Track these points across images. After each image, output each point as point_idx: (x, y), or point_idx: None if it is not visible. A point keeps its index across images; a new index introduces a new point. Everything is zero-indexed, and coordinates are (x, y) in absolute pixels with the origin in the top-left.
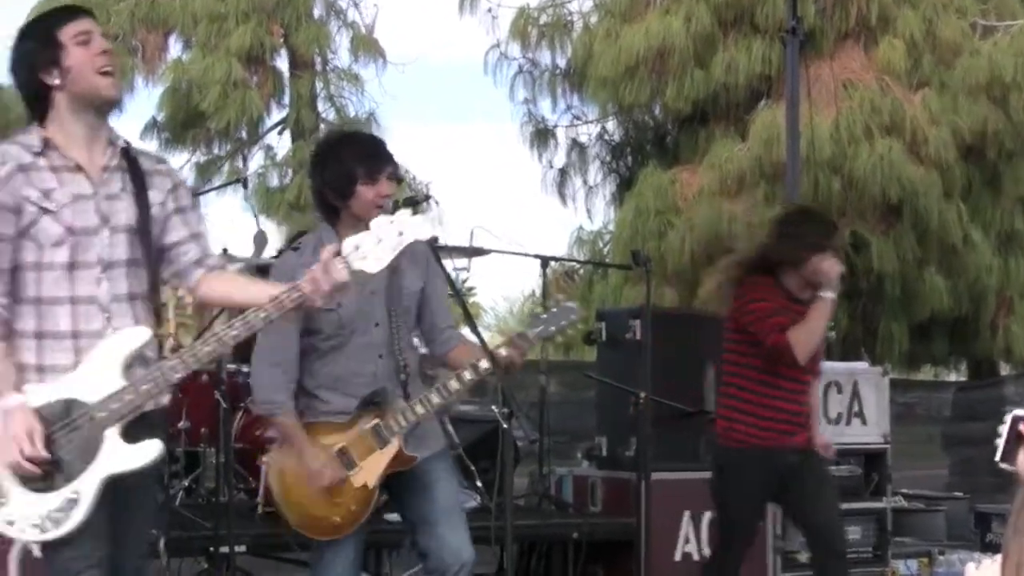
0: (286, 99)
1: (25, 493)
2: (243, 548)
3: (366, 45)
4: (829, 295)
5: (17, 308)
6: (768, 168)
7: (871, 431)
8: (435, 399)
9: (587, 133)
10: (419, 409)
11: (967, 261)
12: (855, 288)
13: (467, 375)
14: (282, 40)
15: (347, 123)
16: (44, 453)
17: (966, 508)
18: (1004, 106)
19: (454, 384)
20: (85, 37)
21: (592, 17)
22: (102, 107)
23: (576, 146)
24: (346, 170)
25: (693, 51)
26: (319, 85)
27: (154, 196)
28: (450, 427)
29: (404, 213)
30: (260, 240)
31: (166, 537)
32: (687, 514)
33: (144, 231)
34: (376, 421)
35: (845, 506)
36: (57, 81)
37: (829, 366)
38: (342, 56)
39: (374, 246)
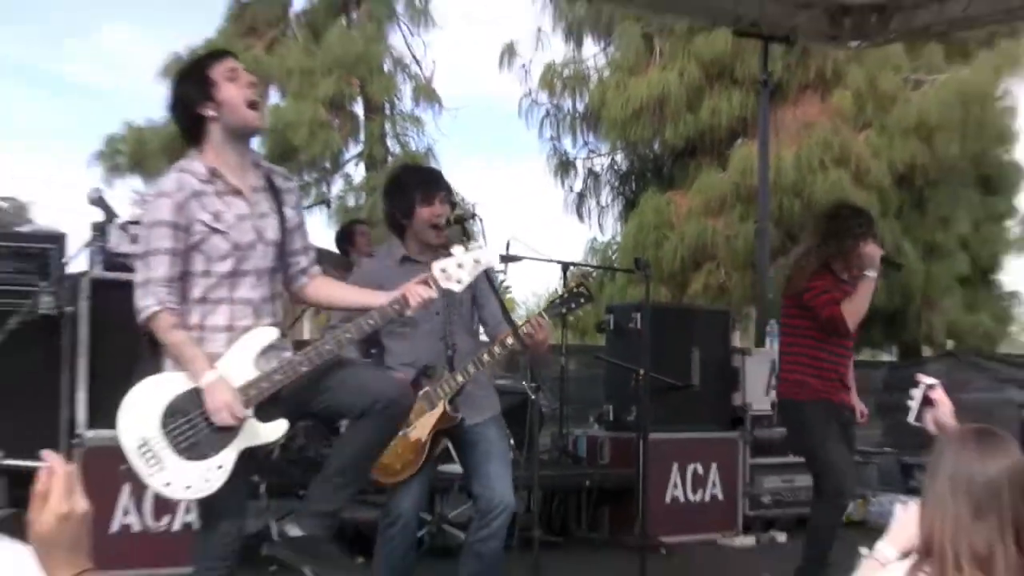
0: (361, 137)
1: (179, 461)
2: None
3: (426, 93)
4: (872, 275)
5: (184, 307)
6: (744, 192)
7: None
8: (471, 369)
9: (600, 164)
10: (459, 377)
11: None
12: None
13: (496, 349)
14: (359, 89)
15: (409, 157)
16: (246, 413)
17: (894, 461)
18: (930, 143)
19: (486, 356)
20: (233, 74)
21: (605, 72)
22: (249, 135)
23: (591, 175)
24: (407, 195)
25: (685, 99)
26: (387, 126)
27: (288, 212)
28: None
29: (479, 245)
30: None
31: (266, 483)
32: (676, 465)
33: (282, 244)
34: (427, 388)
35: (799, 460)
36: (212, 113)
37: None
38: (406, 102)
39: (456, 270)
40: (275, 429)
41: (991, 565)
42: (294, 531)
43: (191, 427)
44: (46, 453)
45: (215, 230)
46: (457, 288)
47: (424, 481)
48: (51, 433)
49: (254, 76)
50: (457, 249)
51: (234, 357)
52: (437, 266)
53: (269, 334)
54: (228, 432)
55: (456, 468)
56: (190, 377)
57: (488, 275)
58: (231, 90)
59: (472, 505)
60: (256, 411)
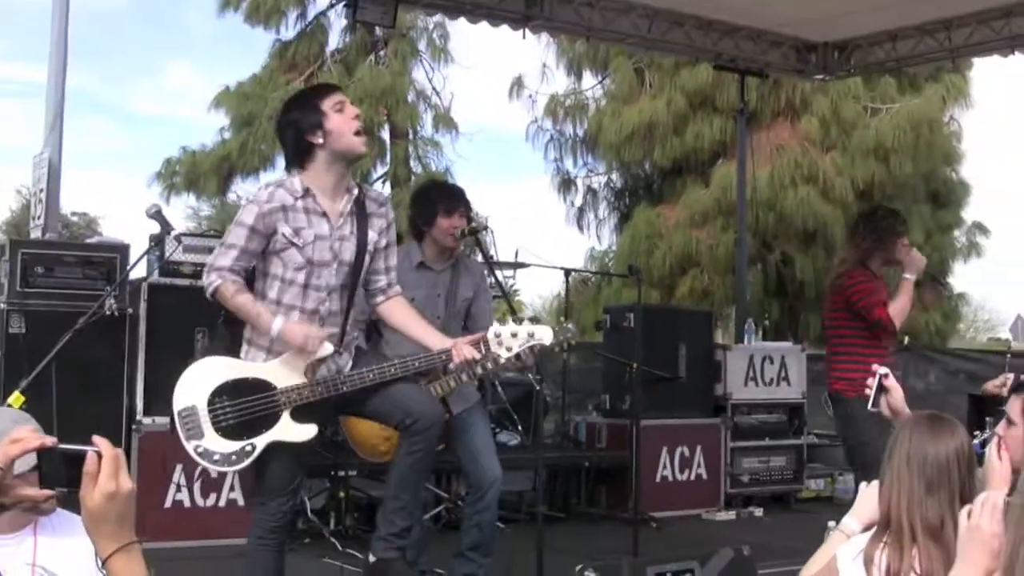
0: (388, 159)
1: (214, 436)
2: (354, 472)
3: (445, 121)
4: (912, 277)
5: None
6: (724, 206)
7: (794, 390)
8: (464, 377)
9: (598, 182)
10: (452, 382)
11: None
12: (784, 290)
13: (490, 366)
14: (386, 118)
15: (429, 176)
16: (328, 335)
17: None
18: (886, 164)
19: (479, 369)
20: (340, 105)
21: (602, 101)
22: (354, 159)
23: (590, 191)
24: (431, 205)
25: (672, 125)
26: (410, 149)
27: (372, 236)
28: (500, 388)
29: (533, 322)
30: None
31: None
32: (665, 448)
33: (358, 265)
34: (425, 383)
35: (774, 443)
36: (320, 140)
37: (765, 344)
38: (427, 129)
39: (509, 338)
40: (305, 431)
41: (942, 534)
42: (370, 557)
43: (234, 410)
44: (96, 438)
45: (292, 243)
46: (504, 356)
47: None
48: (114, 420)
49: (358, 109)
50: (516, 324)
51: (288, 362)
52: (493, 331)
53: (325, 349)
54: (263, 423)
55: None
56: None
57: (492, 271)
58: (339, 120)
59: (466, 483)
60: (292, 412)
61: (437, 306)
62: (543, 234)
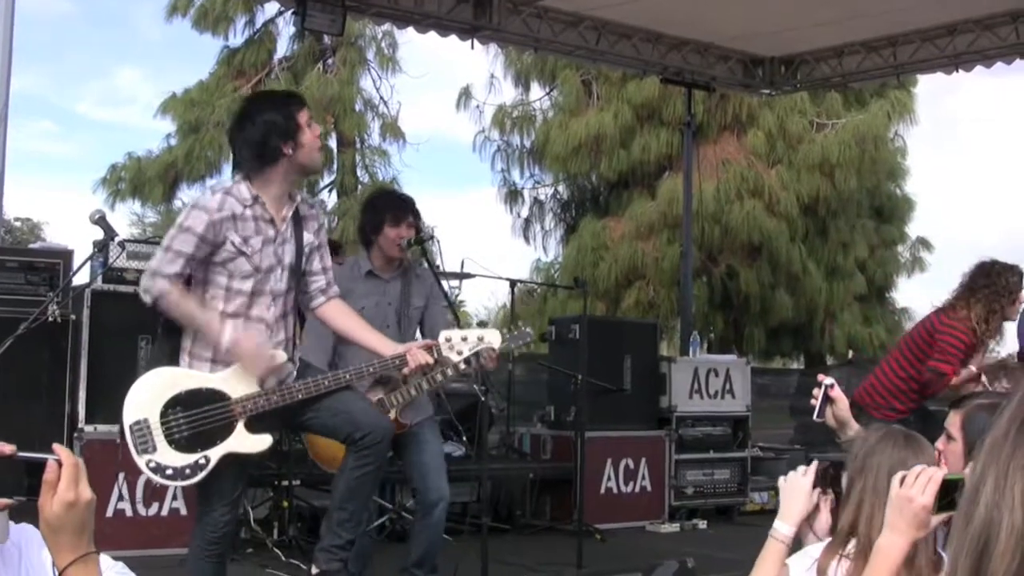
0: (335, 167)
1: (168, 449)
2: (298, 482)
3: (392, 130)
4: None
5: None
6: (670, 219)
7: (738, 403)
8: (424, 385)
9: (544, 194)
10: (412, 391)
11: (805, 285)
12: (729, 303)
13: (450, 372)
14: (333, 126)
15: (377, 185)
16: (277, 343)
17: (803, 456)
18: (831, 179)
19: (438, 376)
20: (310, 121)
21: (549, 113)
22: (312, 174)
23: (536, 203)
24: (379, 214)
25: (619, 137)
26: (358, 158)
27: (307, 237)
28: (444, 399)
29: (486, 328)
30: None
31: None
32: (609, 460)
33: (298, 268)
34: (381, 396)
35: (718, 455)
36: (290, 151)
37: (710, 357)
38: (374, 137)
39: (460, 343)
40: (260, 442)
41: (913, 551)
42: (313, 569)
43: (188, 422)
44: (56, 446)
45: (241, 252)
46: (454, 359)
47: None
48: (56, 427)
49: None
50: (468, 329)
51: (240, 372)
52: (444, 335)
53: (277, 356)
54: (218, 434)
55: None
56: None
57: (438, 280)
58: (309, 135)
59: (413, 497)
60: (246, 422)
61: (388, 315)
62: (489, 245)
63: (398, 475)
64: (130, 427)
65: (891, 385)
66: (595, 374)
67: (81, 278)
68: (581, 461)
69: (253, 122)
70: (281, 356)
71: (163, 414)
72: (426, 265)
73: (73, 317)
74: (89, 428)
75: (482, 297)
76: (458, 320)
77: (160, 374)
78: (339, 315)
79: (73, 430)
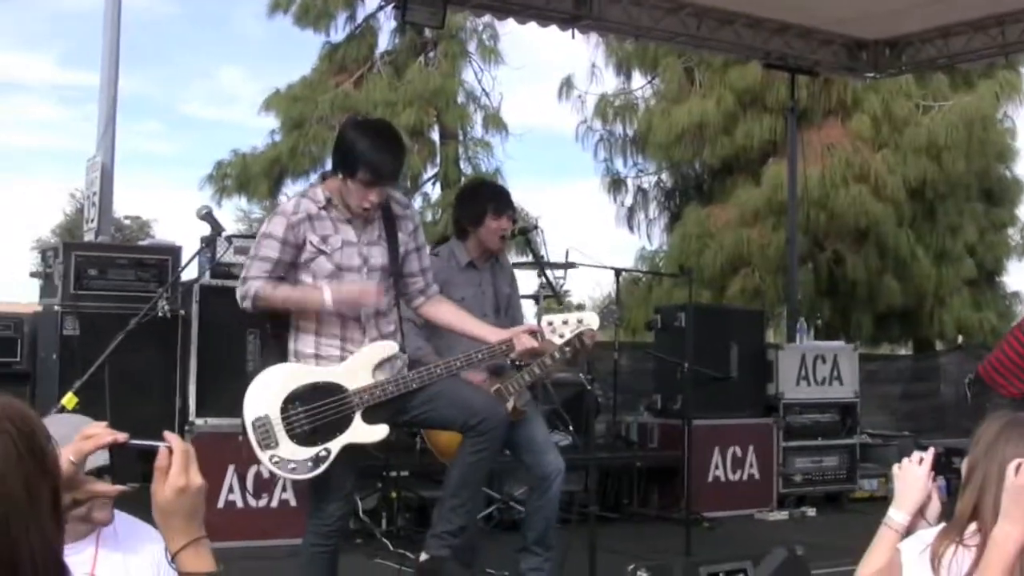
0: (438, 160)
1: (290, 444)
2: (406, 472)
3: (494, 122)
4: None
5: (300, 318)
6: (775, 205)
7: (846, 389)
8: (536, 370)
9: (648, 182)
10: (527, 377)
11: (913, 270)
12: (836, 289)
13: (556, 354)
14: (435, 119)
15: (480, 177)
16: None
17: (912, 442)
18: (938, 162)
19: (548, 360)
20: (372, 190)
21: (651, 101)
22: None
23: (640, 191)
24: (480, 205)
25: (722, 124)
26: (460, 150)
27: (401, 238)
28: (550, 388)
29: (586, 311)
30: None
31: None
32: (716, 448)
33: (393, 269)
34: (498, 385)
35: (826, 442)
36: (341, 178)
37: (817, 344)
38: (477, 129)
39: (561, 325)
40: (377, 432)
41: None
42: (422, 555)
43: (307, 416)
44: (167, 434)
45: (321, 251)
46: (558, 342)
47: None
48: (167, 421)
49: (377, 199)
50: (568, 313)
51: (354, 364)
52: (545, 319)
53: (387, 348)
54: (337, 426)
55: None
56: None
57: (542, 270)
58: (357, 188)
59: (528, 471)
60: (363, 413)
61: (485, 304)
62: (593, 235)
63: (504, 465)
64: (252, 424)
65: (1020, 360)
66: (701, 362)
67: (189, 274)
68: (688, 449)
69: (344, 139)
70: (392, 347)
71: (283, 409)
72: (531, 257)
73: (182, 312)
74: (200, 421)
75: (587, 287)
76: (564, 310)
77: (277, 371)
78: (441, 310)
79: (184, 423)
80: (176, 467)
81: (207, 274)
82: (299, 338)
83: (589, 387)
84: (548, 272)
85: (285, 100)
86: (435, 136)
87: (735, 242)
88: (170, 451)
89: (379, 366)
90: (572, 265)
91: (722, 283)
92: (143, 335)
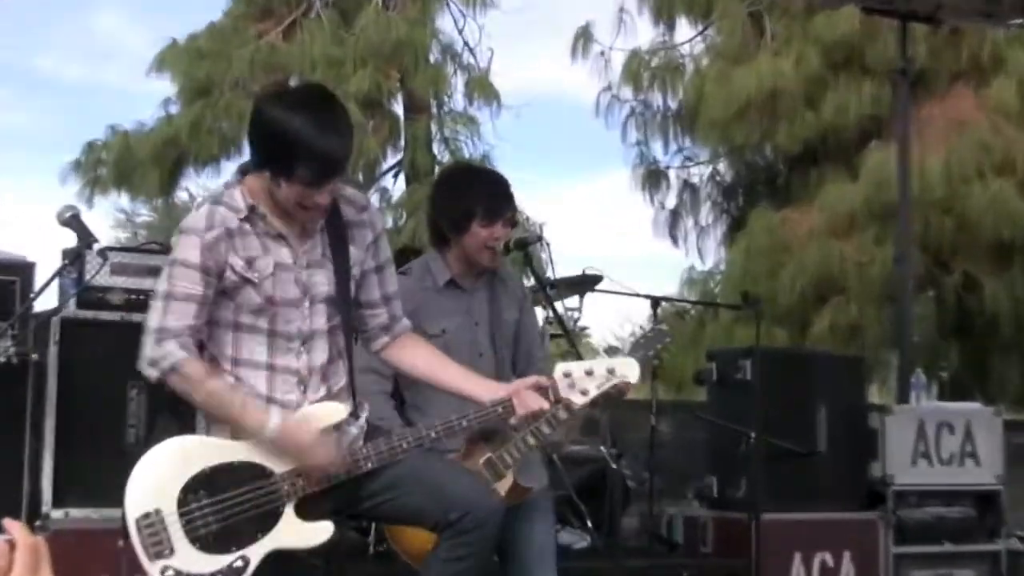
0: (402, 141)
1: (191, 550)
2: None
3: (481, 88)
4: None
5: (211, 364)
6: (879, 208)
7: (984, 472)
8: (545, 429)
9: (698, 174)
10: (531, 440)
11: None
12: (968, 328)
13: (561, 415)
14: (398, 84)
15: (459, 162)
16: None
17: None
18: None
19: (562, 414)
20: (324, 187)
21: (703, 59)
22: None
23: (688, 187)
24: (465, 206)
25: (803, 93)
26: (434, 128)
27: (354, 255)
28: (559, 466)
29: (616, 356)
30: None
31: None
32: (798, 556)
33: (343, 298)
34: (489, 455)
35: (957, 548)
36: (270, 179)
37: (941, 406)
38: (457, 99)
39: (583, 378)
40: (319, 531)
41: None
42: None
43: (216, 511)
44: (7, 522)
45: (246, 280)
46: (580, 401)
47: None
48: (11, 511)
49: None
50: (591, 362)
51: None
52: (560, 369)
53: (333, 412)
54: (259, 525)
55: None
56: (242, 431)
57: (548, 299)
58: (294, 190)
59: None
60: (296, 506)
61: (478, 338)
62: (621, 249)
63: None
64: (136, 522)
65: None
66: (775, 430)
67: (46, 302)
68: (757, 556)
69: (266, 122)
70: (340, 411)
71: (181, 502)
72: (531, 279)
73: (35, 357)
74: (57, 513)
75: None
76: (579, 355)
77: (173, 445)
78: (413, 355)
79: (35, 516)
80: (20, 568)
81: (71, 303)
82: None
83: (615, 464)
84: (557, 303)
85: (185, 56)
86: (398, 108)
87: (822, 259)
88: (11, 546)
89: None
90: (591, 288)
91: (803, 318)
92: None
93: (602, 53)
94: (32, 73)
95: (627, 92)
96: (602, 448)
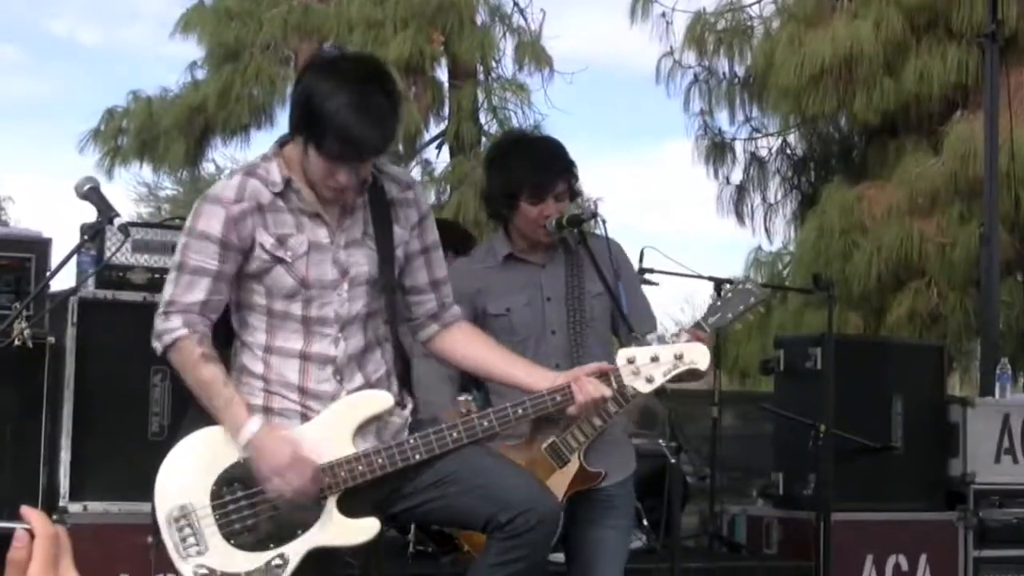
0: (446, 111)
1: (226, 547)
2: None
3: (532, 52)
4: None
5: (244, 350)
6: (964, 185)
7: None
8: (612, 408)
9: (767, 147)
10: (597, 421)
11: None
12: None
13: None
14: (442, 48)
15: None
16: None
17: None
18: None
19: (631, 391)
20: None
21: (774, 22)
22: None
23: (755, 161)
24: (512, 182)
25: (883, 58)
26: (481, 96)
27: (398, 235)
28: None
29: (687, 341)
30: None
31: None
32: (870, 558)
33: (386, 280)
34: (553, 438)
35: None
36: (301, 146)
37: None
38: (506, 64)
39: (648, 365)
40: (364, 529)
41: None
42: None
43: (251, 505)
44: (26, 510)
45: (277, 259)
46: (643, 389)
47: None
48: (27, 503)
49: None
50: (660, 344)
51: (325, 427)
52: (624, 355)
53: (376, 401)
54: (298, 521)
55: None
56: (226, 429)
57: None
58: (321, 164)
59: None
60: (339, 500)
61: (550, 316)
62: (683, 227)
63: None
64: (167, 520)
65: None
66: (847, 424)
67: (63, 281)
68: (826, 558)
69: (304, 89)
70: (387, 400)
71: (215, 495)
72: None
73: (51, 340)
74: (76, 507)
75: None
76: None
77: (203, 437)
78: (464, 346)
79: (52, 510)
80: (40, 560)
81: (90, 282)
82: (240, 383)
83: (674, 459)
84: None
85: (212, 17)
86: (442, 74)
87: (901, 240)
88: (31, 536)
89: (363, 428)
90: (649, 271)
91: (880, 303)
92: None
93: (663, 15)
94: (46, 36)
95: (690, 57)
96: (660, 441)
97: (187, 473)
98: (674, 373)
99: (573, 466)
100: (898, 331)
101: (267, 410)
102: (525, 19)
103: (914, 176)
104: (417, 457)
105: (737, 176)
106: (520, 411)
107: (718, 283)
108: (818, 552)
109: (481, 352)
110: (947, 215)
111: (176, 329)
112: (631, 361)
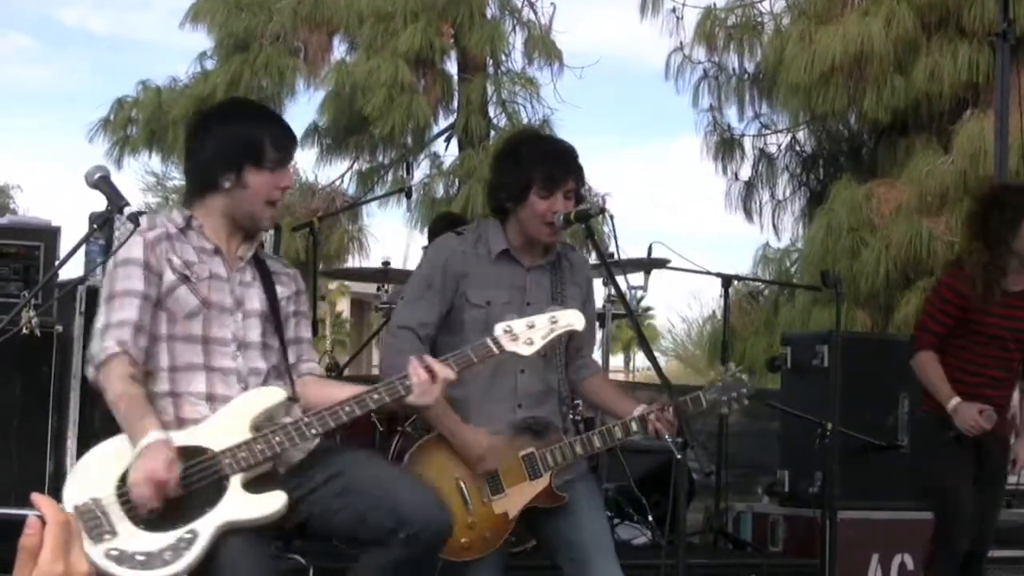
0: (455, 104)
1: (135, 529)
2: None
3: (542, 46)
4: None
5: (150, 379)
6: (973, 183)
7: None
8: (596, 442)
9: (776, 143)
10: (578, 449)
11: None
12: None
13: (633, 427)
14: (452, 41)
15: (520, 129)
16: (176, 488)
17: None
18: None
19: (618, 433)
20: (280, 163)
21: (784, 18)
22: (252, 234)
23: (764, 157)
24: (523, 175)
25: (894, 56)
26: (490, 89)
27: (280, 292)
28: (621, 457)
29: (558, 305)
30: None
31: (314, 567)
32: (875, 557)
33: (274, 319)
34: (531, 450)
35: None
36: (228, 186)
37: None
38: (515, 58)
39: (526, 331)
40: (270, 502)
41: None
42: None
43: None
44: (36, 497)
45: (184, 278)
46: (527, 351)
47: (498, 565)
48: (35, 489)
49: (291, 180)
50: (533, 317)
51: (223, 419)
52: (500, 326)
53: (271, 396)
54: (204, 498)
55: None
56: (132, 440)
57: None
58: (264, 180)
59: None
60: (244, 482)
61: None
62: (690, 223)
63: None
64: (76, 512)
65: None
66: (854, 422)
67: (71, 270)
68: (831, 556)
69: (209, 135)
70: (280, 394)
71: (119, 487)
72: (592, 255)
73: (59, 328)
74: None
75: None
76: (644, 339)
77: (110, 446)
78: (309, 392)
79: (57, 499)
80: (51, 547)
81: (99, 271)
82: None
83: (680, 455)
84: (620, 280)
85: (222, 7)
86: (451, 67)
87: (910, 238)
88: (42, 523)
89: (261, 420)
90: (657, 265)
91: (888, 301)
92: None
93: (674, 10)
94: (56, 26)
95: (700, 53)
96: (667, 437)
97: (95, 472)
98: (552, 336)
99: (542, 483)
100: (906, 329)
101: (180, 420)
102: (535, 13)
103: (924, 174)
104: (313, 432)
105: (746, 172)
106: (376, 396)
107: (725, 279)
108: (823, 550)
109: (323, 394)
110: (956, 214)
111: (110, 348)
112: (508, 331)
